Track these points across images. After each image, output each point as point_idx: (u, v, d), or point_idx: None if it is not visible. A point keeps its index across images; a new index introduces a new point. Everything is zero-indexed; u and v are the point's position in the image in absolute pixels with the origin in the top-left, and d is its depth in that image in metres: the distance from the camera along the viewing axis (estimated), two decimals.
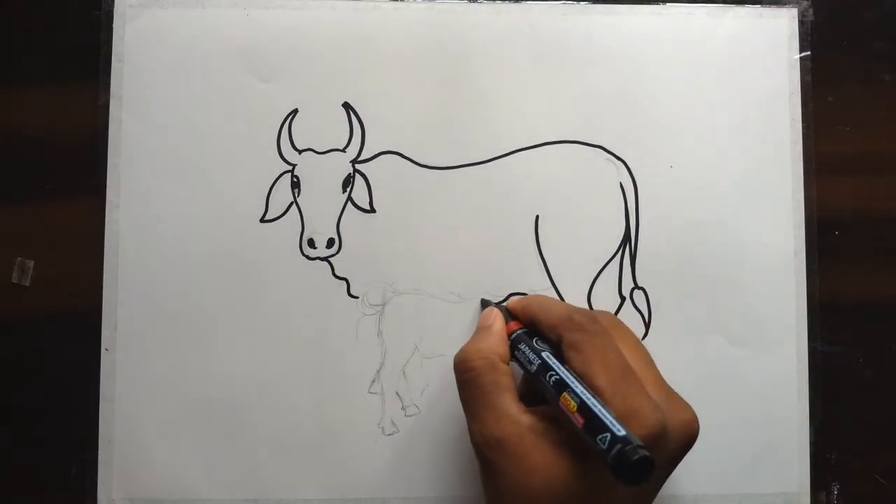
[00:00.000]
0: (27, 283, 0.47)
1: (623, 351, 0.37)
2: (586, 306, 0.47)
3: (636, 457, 0.31)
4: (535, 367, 0.38)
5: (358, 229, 0.47)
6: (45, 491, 0.46)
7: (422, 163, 0.47)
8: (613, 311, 0.47)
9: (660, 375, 0.39)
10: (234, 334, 0.46)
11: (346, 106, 0.47)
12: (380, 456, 0.46)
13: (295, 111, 0.47)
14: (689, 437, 0.37)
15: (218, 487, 0.46)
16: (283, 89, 0.47)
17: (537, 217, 0.47)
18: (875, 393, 0.48)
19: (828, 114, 0.48)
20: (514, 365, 0.40)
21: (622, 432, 0.32)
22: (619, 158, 0.48)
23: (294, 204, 0.47)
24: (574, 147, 0.48)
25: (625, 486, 0.32)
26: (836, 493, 0.47)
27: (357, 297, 0.47)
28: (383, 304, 0.47)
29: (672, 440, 0.36)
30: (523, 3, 0.48)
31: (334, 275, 0.47)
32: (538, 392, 0.38)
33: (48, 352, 0.47)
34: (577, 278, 0.47)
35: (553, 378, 0.36)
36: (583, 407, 0.34)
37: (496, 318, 0.41)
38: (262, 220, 0.47)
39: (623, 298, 0.47)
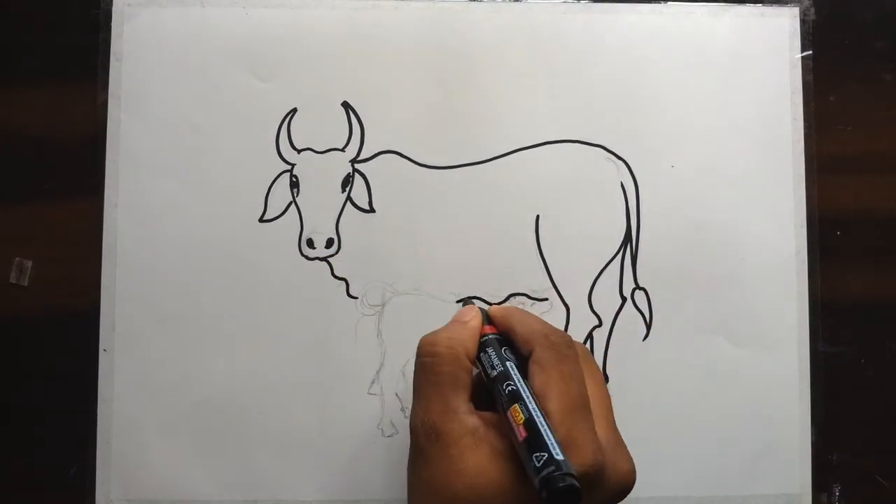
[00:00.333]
0: (25, 283, 0.47)
1: (587, 385, 0.37)
2: (587, 307, 0.47)
3: (563, 484, 0.31)
4: (495, 373, 0.37)
5: (357, 229, 0.47)
6: (45, 491, 0.46)
7: (421, 162, 0.47)
8: (614, 312, 0.47)
9: (613, 421, 0.38)
10: (233, 335, 0.46)
11: (346, 105, 0.47)
12: (379, 457, 0.46)
13: (294, 110, 0.47)
14: (623, 488, 0.36)
15: (216, 488, 0.46)
16: (282, 88, 0.47)
17: (537, 217, 0.47)
18: (876, 393, 0.48)
19: (829, 113, 0.48)
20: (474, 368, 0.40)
21: (560, 456, 0.32)
22: (619, 158, 0.48)
23: (293, 204, 0.47)
24: (574, 147, 0.48)
25: None
26: (837, 493, 0.47)
27: (356, 298, 0.47)
28: (383, 305, 0.47)
29: (607, 487, 0.35)
30: (523, 2, 0.48)
31: (333, 275, 0.47)
32: (490, 399, 0.38)
33: (47, 352, 0.47)
34: (577, 278, 0.47)
35: (509, 388, 0.36)
36: (529, 422, 0.34)
37: (475, 317, 0.41)
38: (261, 220, 0.47)
39: (624, 299, 0.47)
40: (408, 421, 0.46)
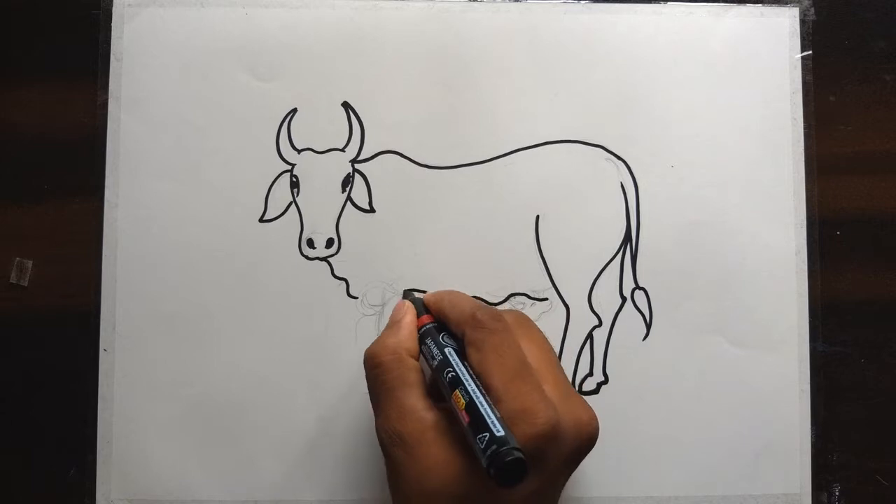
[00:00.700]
0: (25, 283, 0.47)
1: (528, 350, 0.37)
2: (587, 307, 0.47)
3: (509, 458, 0.31)
4: (436, 363, 0.38)
5: (357, 229, 0.47)
6: (45, 491, 0.46)
7: (421, 162, 0.47)
8: (614, 312, 0.47)
9: (561, 375, 0.38)
10: (233, 335, 0.46)
11: (346, 105, 0.47)
12: (379, 457, 0.46)
13: (294, 110, 0.47)
14: (586, 437, 0.36)
15: (216, 488, 0.46)
16: (282, 88, 0.47)
17: (537, 217, 0.47)
18: (876, 393, 0.48)
19: (829, 113, 0.48)
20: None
21: (501, 433, 0.32)
22: (619, 158, 0.48)
23: (293, 204, 0.47)
24: (574, 147, 0.48)
25: (499, 487, 0.32)
26: (837, 493, 0.47)
27: (357, 298, 0.47)
28: (383, 305, 0.47)
29: (567, 440, 0.35)
30: (523, 2, 0.48)
31: (334, 275, 0.47)
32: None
33: (46, 352, 0.47)
34: (577, 278, 0.47)
35: (450, 374, 0.36)
36: (470, 405, 0.34)
37: (406, 312, 0.41)
38: (261, 220, 0.47)
39: (624, 299, 0.47)
40: None
